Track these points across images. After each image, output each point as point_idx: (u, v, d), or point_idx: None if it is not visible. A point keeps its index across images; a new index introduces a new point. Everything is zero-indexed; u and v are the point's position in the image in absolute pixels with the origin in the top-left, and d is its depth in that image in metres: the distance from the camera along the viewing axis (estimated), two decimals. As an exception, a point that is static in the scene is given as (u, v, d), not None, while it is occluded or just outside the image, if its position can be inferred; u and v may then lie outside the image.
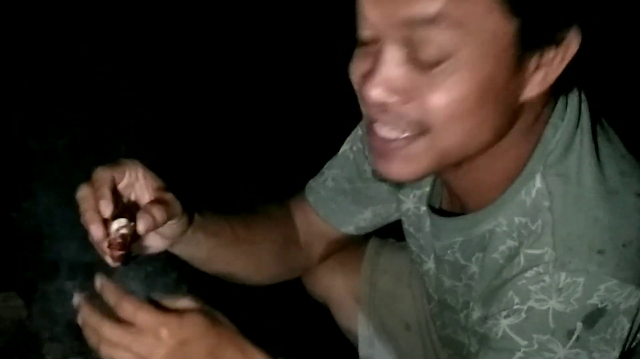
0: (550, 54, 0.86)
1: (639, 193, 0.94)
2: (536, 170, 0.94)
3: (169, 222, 0.99)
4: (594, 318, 0.90)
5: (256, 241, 1.22)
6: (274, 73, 2.50)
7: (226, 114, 2.40)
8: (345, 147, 1.23)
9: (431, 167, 0.92)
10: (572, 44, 0.86)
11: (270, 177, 2.09)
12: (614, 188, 0.94)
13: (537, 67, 0.87)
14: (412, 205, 1.15)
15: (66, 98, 2.40)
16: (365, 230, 1.29)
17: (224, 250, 1.16)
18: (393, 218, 1.25)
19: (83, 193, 0.96)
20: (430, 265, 1.14)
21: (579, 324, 0.90)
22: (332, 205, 1.25)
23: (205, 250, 1.12)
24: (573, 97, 0.97)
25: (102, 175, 0.96)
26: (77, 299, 0.92)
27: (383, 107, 0.87)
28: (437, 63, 0.83)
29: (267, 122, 2.36)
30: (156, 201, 0.98)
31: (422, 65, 0.84)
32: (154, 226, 0.95)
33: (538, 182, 0.94)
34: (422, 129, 0.87)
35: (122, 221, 0.92)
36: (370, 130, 0.93)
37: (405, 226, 1.19)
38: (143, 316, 0.88)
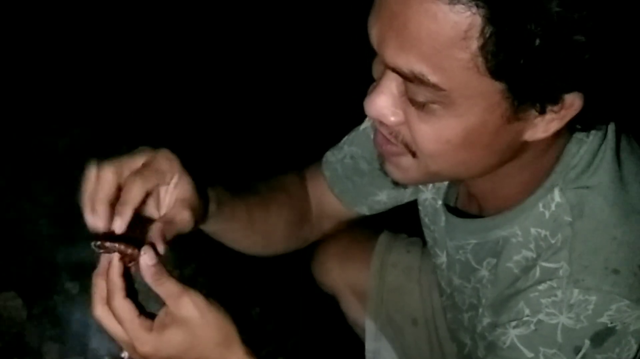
0: (551, 106, 0.83)
1: None
2: (556, 184, 0.93)
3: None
4: (602, 336, 0.89)
5: (271, 221, 1.20)
6: (275, 67, 2.49)
7: (229, 109, 2.39)
8: (366, 124, 1.20)
9: (422, 180, 0.94)
10: (574, 103, 0.83)
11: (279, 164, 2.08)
12: (635, 207, 0.92)
13: (539, 115, 0.84)
14: (430, 196, 1.14)
15: (66, 98, 2.39)
16: (377, 211, 1.27)
17: (237, 231, 1.15)
18: (406, 200, 1.23)
19: (107, 180, 0.89)
20: (443, 258, 1.13)
21: (587, 342, 0.89)
22: (348, 183, 1.23)
23: (217, 230, 1.10)
24: None
25: (133, 190, 0.89)
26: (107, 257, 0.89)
27: (380, 121, 0.89)
28: (426, 104, 0.83)
29: (271, 116, 2.35)
30: (165, 222, 0.93)
31: (413, 102, 0.84)
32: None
33: (557, 196, 0.93)
34: (412, 150, 0.89)
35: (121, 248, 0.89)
36: (374, 129, 0.94)
37: (422, 215, 1.18)
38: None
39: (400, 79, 0.84)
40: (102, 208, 0.89)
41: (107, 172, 0.90)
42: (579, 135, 0.93)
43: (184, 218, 0.95)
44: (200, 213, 0.99)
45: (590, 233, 0.91)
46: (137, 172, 0.91)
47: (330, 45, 2.39)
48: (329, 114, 1.83)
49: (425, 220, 1.17)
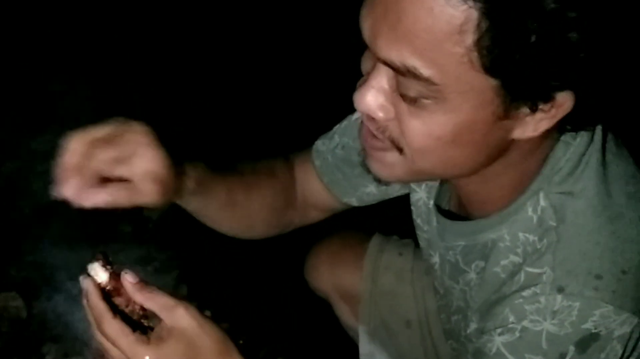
0: (542, 105, 0.83)
1: None
2: (542, 187, 0.93)
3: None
4: (586, 342, 0.89)
5: (253, 206, 1.18)
6: (273, 67, 2.50)
7: (226, 106, 2.40)
8: (358, 114, 1.16)
9: (407, 178, 0.93)
10: (565, 102, 0.82)
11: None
12: (619, 212, 0.91)
13: (530, 113, 0.84)
14: (424, 195, 1.13)
15: (66, 97, 2.40)
16: (366, 203, 1.25)
17: (216, 211, 1.13)
18: (395, 194, 1.23)
19: (74, 150, 0.92)
20: (436, 259, 1.13)
21: (571, 348, 0.89)
22: (338, 174, 1.22)
23: (195, 208, 1.10)
24: None
25: (99, 156, 0.91)
26: (85, 282, 0.91)
27: (368, 116, 0.88)
28: (417, 99, 0.83)
29: (264, 107, 2.36)
30: (129, 189, 0.93)
31: (404, 97, 0.83)
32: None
33: (542, 200, 0.93)
34: (399, 146, 0.88)
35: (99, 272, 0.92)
36: (362, 123, 0.93)
37: (414, 216, 1.17)
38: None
39: (391, 73, 0.83)
40: (70, 176, 0.91)
41: (74, 143, 0.91)
42: (566, 138, 0.93)
43: (150, 191, 0.94)
44: (173, 189, 0.98)
45: (574, 238, 0.90)
46: (105, 139, 0.92)
47: (324, 41, 2.39)
48: (321, 105, 1.83)
49: (418, 221, 1.16)
